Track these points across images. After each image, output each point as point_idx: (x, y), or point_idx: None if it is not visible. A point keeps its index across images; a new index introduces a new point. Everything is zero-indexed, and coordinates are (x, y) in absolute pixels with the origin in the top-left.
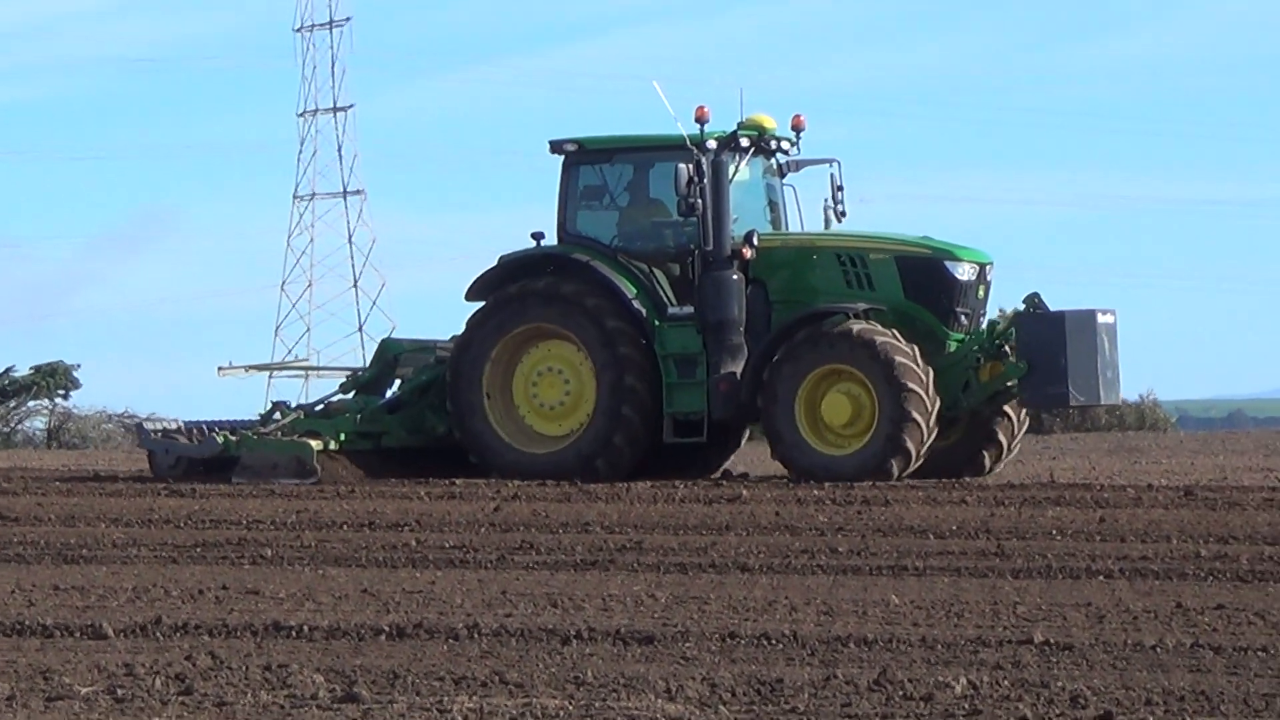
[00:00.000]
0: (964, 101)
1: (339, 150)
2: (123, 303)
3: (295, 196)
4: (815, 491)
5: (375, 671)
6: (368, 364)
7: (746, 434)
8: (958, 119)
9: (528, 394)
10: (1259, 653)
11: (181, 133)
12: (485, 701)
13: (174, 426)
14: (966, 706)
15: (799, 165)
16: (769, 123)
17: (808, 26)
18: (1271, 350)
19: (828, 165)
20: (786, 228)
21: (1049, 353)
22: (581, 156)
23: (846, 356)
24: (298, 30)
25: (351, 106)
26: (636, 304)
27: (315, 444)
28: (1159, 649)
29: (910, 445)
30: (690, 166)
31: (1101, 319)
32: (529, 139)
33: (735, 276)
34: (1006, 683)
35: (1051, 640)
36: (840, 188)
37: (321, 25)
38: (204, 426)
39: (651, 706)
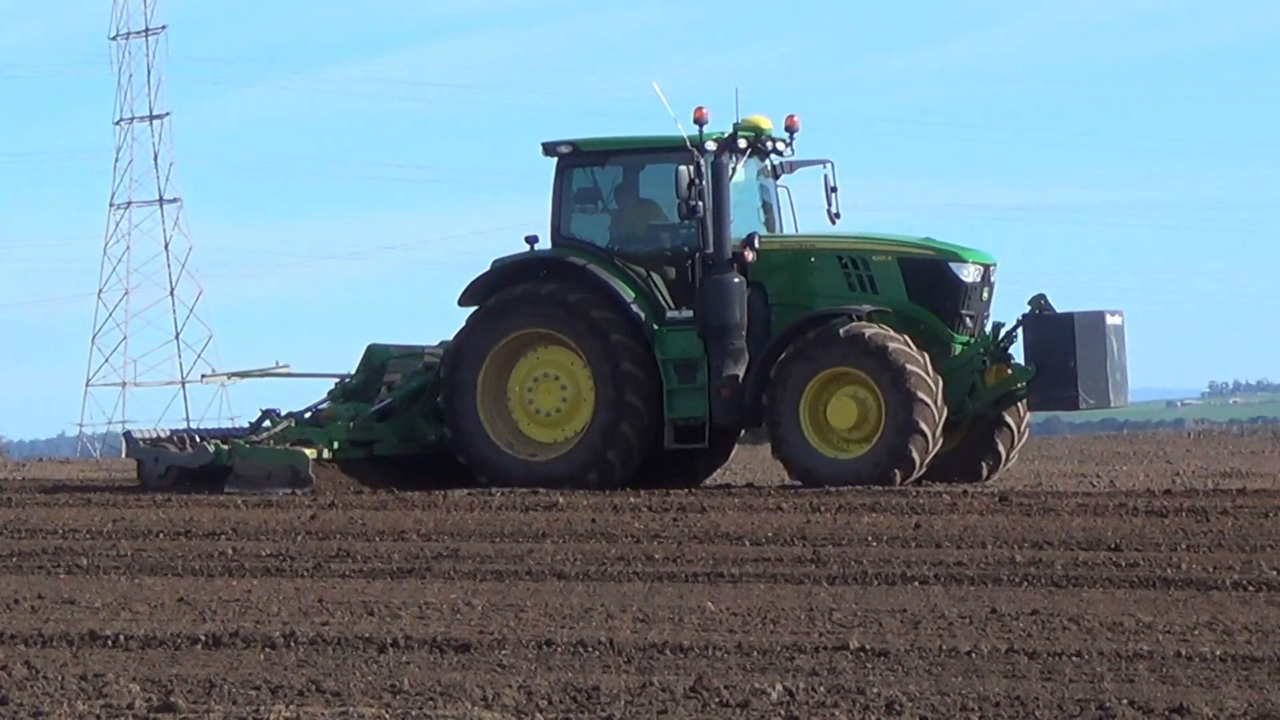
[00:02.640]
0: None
1: (155, 158)
2: None
3: (112, 204)
4: (631, 499)
5: (192, 681)
6: (354, 370)
7: (735, 448)
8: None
9: (523, 400)
10: (1073, 658)
11: None
12: (302, 710)
13: (162, 435)
14: (783, 713)
15: (793, 166)
16: (765, 123)
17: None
18: None
19: (821, 166)
20: (781, 229)
21: (1058, 355)
22: (575, 159)
23: (857, 360)
24: (113, 38)
25: (167, 114)
26: (635, 308)
27: (310, 452)
28: (974, 655)
29: (915, 456)
30: (690, 168)
31: (1110, 320)
32: (346, 147)
33: (736, 279)
34: (823, 689)
35: (867, 646)
36: (834, 189)
37: (137, 33)
38: (193, 435)
39: (468, 714)
